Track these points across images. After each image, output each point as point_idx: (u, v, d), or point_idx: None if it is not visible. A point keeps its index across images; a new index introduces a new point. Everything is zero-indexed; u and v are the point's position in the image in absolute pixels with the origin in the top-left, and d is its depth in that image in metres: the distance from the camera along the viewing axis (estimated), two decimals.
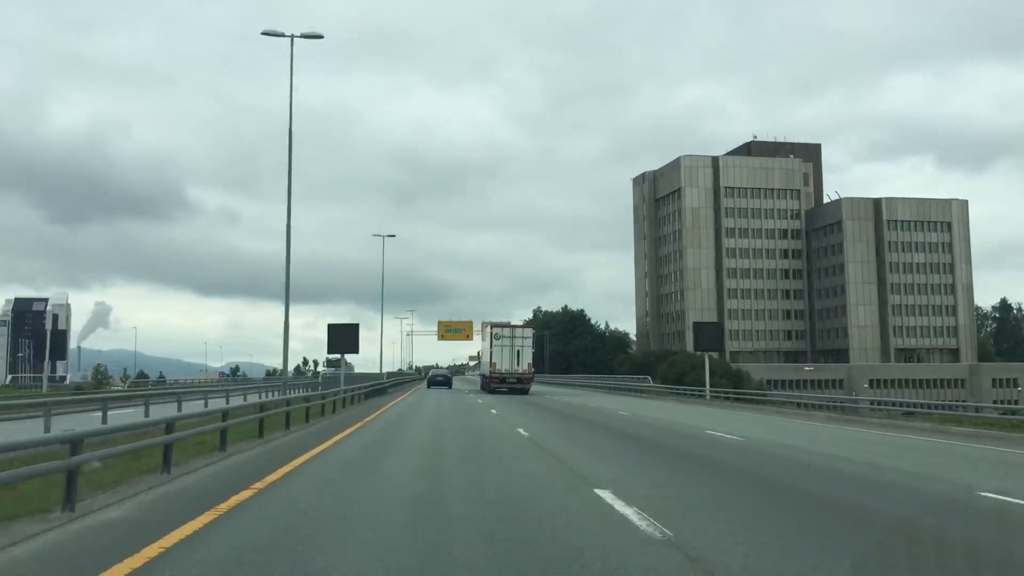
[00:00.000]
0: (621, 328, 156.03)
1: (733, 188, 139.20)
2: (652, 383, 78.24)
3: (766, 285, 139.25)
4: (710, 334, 62.87)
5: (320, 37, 31.97)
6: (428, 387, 70.90)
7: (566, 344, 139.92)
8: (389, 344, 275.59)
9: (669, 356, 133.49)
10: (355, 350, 48.96)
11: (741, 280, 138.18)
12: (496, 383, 53.69)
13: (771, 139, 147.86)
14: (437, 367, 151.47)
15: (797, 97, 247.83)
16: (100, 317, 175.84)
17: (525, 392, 53.19)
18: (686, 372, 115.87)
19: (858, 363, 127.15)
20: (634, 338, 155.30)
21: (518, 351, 53.73)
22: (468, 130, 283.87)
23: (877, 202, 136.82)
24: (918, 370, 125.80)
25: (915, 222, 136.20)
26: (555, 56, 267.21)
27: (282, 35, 31.26)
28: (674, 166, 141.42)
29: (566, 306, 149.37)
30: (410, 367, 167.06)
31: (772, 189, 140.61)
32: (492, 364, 54.12)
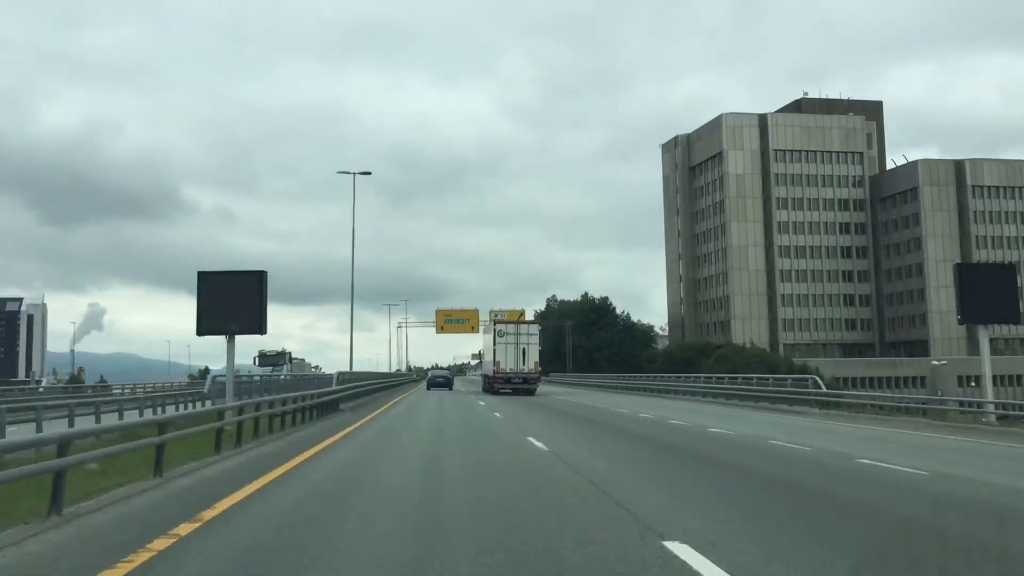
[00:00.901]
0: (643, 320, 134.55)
1: (784, 151, 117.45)
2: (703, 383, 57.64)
3: (825, 266, 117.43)
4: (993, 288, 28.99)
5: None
6: (428, 388, 65.76)
7: (588, 337, 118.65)
8: (383, 344, 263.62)
9: (713, 350, 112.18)
10: (256, 329, 27.24)
11: (795, 260, 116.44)
12: (500, 383, 49.47)
13: (823, 96, 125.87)
14: (437, 367, 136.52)
15: (799, 88, 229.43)
16: (93, 319, 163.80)
17: (531, 393, 48.96)
18: (739, 368, 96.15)
19: (947, 356, 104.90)
20: (659, 331, 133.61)
21: (524, 349, 49.11)
22: (465, 125, 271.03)
23: (959, 164, 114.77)
24: (1016, 364, 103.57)
25: (1005, 188, 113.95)
26: (553, 48, 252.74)
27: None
28: (713, 126, 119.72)
29: (586, 294, 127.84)
30: (410, 368, 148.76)
31: (830, 152, 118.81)
32: (496, 363, 49.29)
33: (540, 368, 51.17)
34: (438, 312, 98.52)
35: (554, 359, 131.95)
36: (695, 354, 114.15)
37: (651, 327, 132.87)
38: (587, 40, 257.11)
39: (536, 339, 50.01)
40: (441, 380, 69.66)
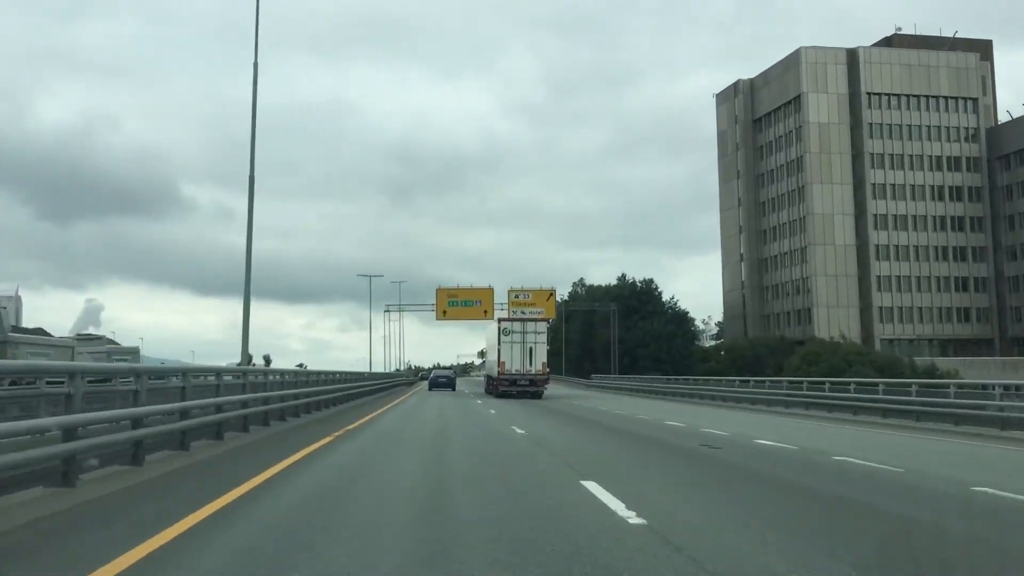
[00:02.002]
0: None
1: (880, 95, 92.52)
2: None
3: (931, 240, 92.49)
4: None
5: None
6: (430, 389, 60.73)
7: (627, 330, 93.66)
8: (383, 343, 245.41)
9: (790, 346, 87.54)
10: None
11: (894, 232, 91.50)
12: (505, 385, 44.01)
13: (918, 33, 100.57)
14: (439, 367, 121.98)
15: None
16: (91, 315, 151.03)
17: (539, 396, 44.11)
18: (838, 370, 72.86)
19: None
20: (703, 324, 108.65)
21: (530, 348, 45.00)
22: (466, 122, 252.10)
23: None
24: None
25: None
26: (556, 43, 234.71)
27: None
28: (788, 65, 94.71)
29: (624, 275, 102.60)
30: (410, 368, 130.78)
31: (937, 97, 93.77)
32: (500, 363, 44.38)
33: (548, 369, 47.62)
34: (439, 292, 73.72)
35: (581, 357, 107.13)
36: (767, 352, 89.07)
37: (690, 318, 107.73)
38: (591, 34, 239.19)
39: (544, 337, 46.73)
40: (444, 380, 64.92)
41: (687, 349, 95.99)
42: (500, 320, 47.54)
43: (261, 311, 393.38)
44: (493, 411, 31.11)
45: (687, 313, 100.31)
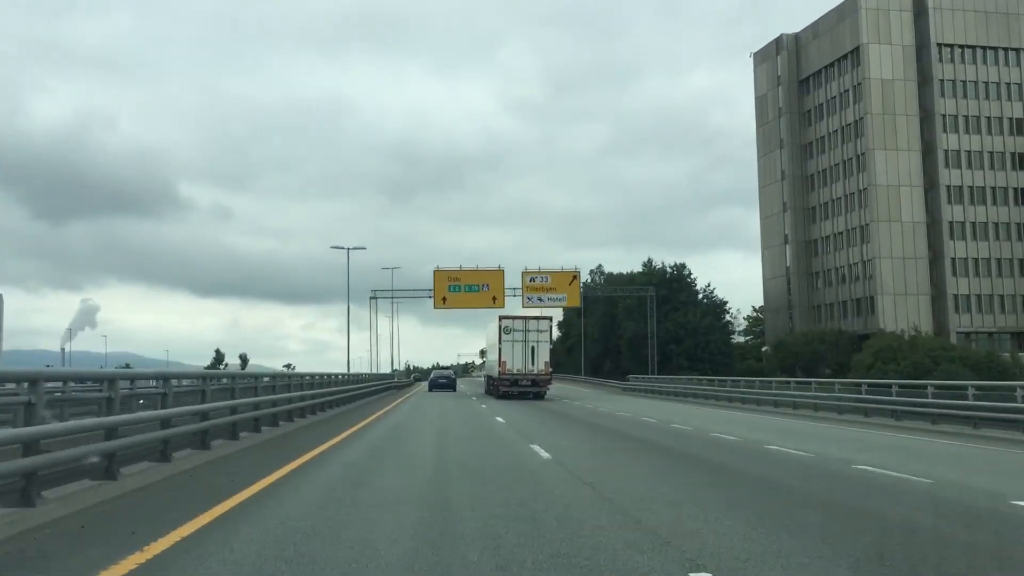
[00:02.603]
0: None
1: (953, 47, 79.16)
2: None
3: (1014, 216, 79.10)
4: None
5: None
6: (430, 390, 58.27)
7: (657, 323, 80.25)
8: (382, 343, 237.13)
9: (852, 341, 74.95)
10: None
11: (971, 208, 78.18)
12: (506, 386, 42.94)
13: None
14: (438, 366, 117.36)
15: None
16: (86, 315, 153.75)
17: (541, 397, 43.28)
18: (924, 368, 61.29)
19: None
20: (734, 316, 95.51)
21: (533, 347, 43.31)
22: (466, 120, 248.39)
23: None
24: None
25: None
26: (556, 39, 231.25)
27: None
28: (843, 13, 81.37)
29: (650, 261, 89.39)
30: (408, 368, 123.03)
31: (1018, 50, 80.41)
32: (501, 363, 43.18)
33: (551, 369, 45.29)
34: (438, 275, 60.32)
35: (602, 355, 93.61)
36: (826, 348, 75.99)
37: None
38: (591, 29, 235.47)
39: (547, 336, 44.81)
40: (444, 381, 62.35)
41: (726, 345, 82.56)
42: (501, 318, 45.22)
43: (260, 312, 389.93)
44: (501, 419, 24.82)
45: (725, 303, 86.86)
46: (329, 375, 31.87)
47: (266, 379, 20.01)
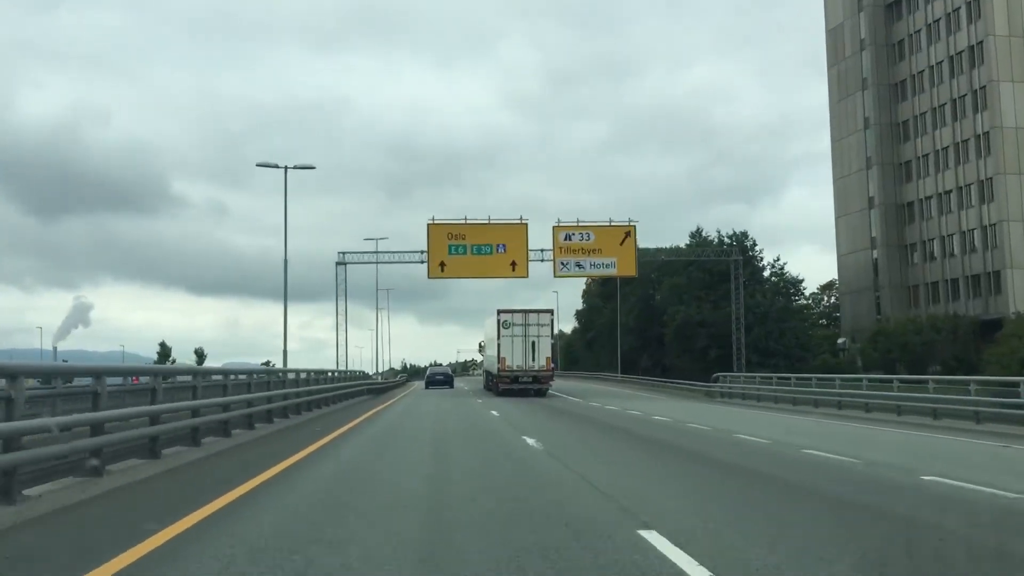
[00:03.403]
0: None
1: None
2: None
3: None
4: None
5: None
6: (426, 387, 57.74)
7: (715, 308, 63.35)
8: (382, 343, 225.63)
9: (971, 328, 57.84)
10: None
11: None
12: (506, 383, 41.64)
13: None
14: (435, 364, 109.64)
15: (810, 76, 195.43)
16: (79, 313, 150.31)
17: (542, 393, 41.47)
18: None
19: None
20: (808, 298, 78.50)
21: (533, 342, 41.82)
22: (464, 115, 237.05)
23: None
24: None
25: None
26: (555, 32, 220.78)
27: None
28: None
29: (699, 230, 71.75)
30: (404, 366, 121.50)
31: None
32: (501, 359, 41.88)
33: (553, 365, 43.63)
34: (433, 230, 42.80)
35: (639, 348, 75.87)
36: (942, 338, 58.74)
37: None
38: (592, 23, 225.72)
39: (548, 331, 42.78)
40: (441, 378, 61.67)
41: (804, 334, 64.59)
42: (500, 312, 42.70)
43: (256, 310, 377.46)
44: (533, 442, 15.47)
45: (800, 281, 68.98)
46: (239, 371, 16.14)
47: None
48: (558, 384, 48.05)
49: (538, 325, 41.96)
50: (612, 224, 44.80)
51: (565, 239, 44.44)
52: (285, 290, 36.06)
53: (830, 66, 74.88)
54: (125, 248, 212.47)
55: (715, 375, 43.81)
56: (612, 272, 47.68)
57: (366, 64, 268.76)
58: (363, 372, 38.06)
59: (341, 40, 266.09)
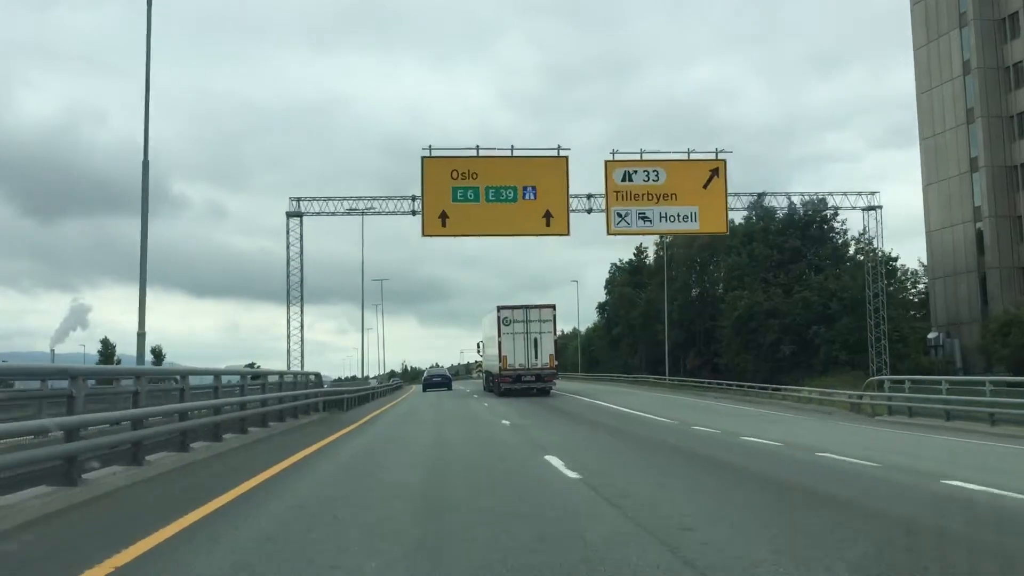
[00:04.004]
0: None
1: None
2: None
3: None
4: None
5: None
6: (424, 390, 56.30)
7: (787, 294, 49.44)
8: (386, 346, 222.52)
9: None
10: None
11: None
12: (508, 382, 40.12)
13: None
14: (437, 366, 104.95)
15: (817, 75, 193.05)
16: (77, 316, 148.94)
17: (546, 392, 40.17)
18: None
19: None
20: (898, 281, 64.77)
21: (535, 339, 40.22)
22: (463, 115, 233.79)
23: None
24: None
25: None
26: (555, 29, 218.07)
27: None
28: None
29: (761, 194, 57.29)
30: (406, 369, 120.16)
31: None
32: (502, 357, 40.33)
33: (556, 363, 41.91)
34: (429, 165, 29.76)
35: (685, 345, 62.63)
36: None
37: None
38: (592, 20, 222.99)
39: (551, 326, 40.93)
40: (438, 380, 59.84)
41: (904, 325, 51.33)
42: (499, 308, 41.17)
43: (255, 312, 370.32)
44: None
45: (894, 259, 55.59)
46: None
47: None
48: (584, 388, 42.82)
49: (540, 321, 40.46)
50: (692, 157, 31.83)
51: (624, 180, 31.55)
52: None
53: (914, 2, 61.62)
54: (124, 251, 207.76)
55: (870, 380, 30.51)
56: (693, 228, 34.90)
57: (364, 63, 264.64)
58: (317, 374, 25.82)
59: (337, 38, 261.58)
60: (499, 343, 40.33)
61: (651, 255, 74.84)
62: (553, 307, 41.60)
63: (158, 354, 77.89)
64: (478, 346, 58.41)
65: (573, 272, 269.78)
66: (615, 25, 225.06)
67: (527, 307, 41.22)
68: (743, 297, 51.97)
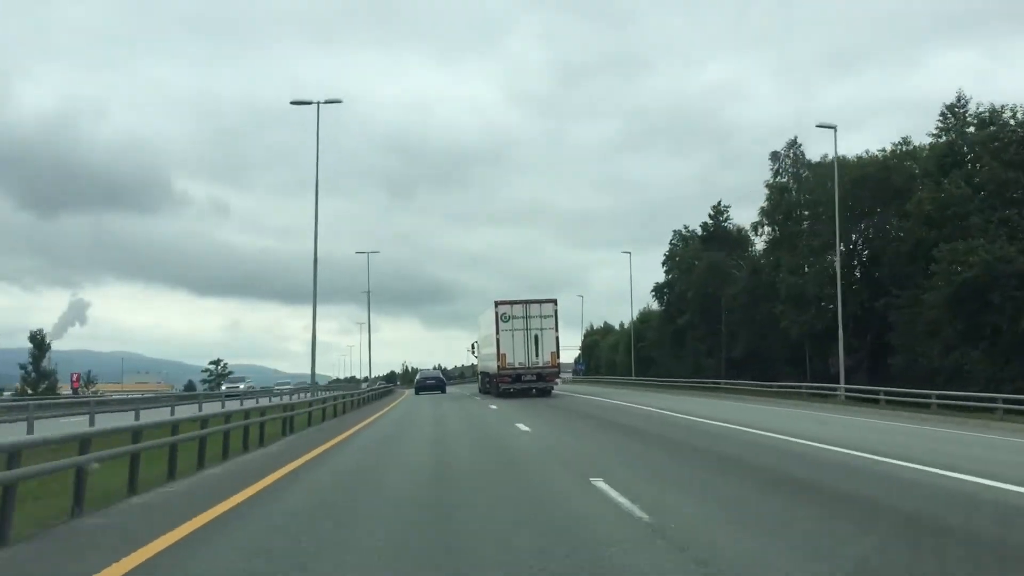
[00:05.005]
0: None
1: None
2: None
3: None
4: None
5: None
6: (416, 393, 55.54)
7: (929, 275, 38.23)
8: (385, 347, 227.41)
9: None
10: None
11: None
12: (507, 382, 39.34)
13: None
14: (438, 367, 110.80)
15: (829, 75, 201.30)
16: (76, 312, 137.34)
17: (548, 392, 39.65)
18: None
19: None
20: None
21: (536, 336, 39.41)
22: (470, 113, 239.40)
23: None
24: None
25: None
26: (564, 26, 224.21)
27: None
28: None
29: (827, 158, 46.16)
30: (407, 371, 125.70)
31: None
32: (501, 356, 39.54)
33: (558, 360, 40.89)
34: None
35: (747, 357, 52.24)
36: None
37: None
38: (601, 17, 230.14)
39: (552, 323, 39.84)
40: (432, 382, 57.93)
41: None
42: (497, 304, 40.34)
43: (261, 312, 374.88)
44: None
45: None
46: None
47: None
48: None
49: (540, 317, 39.76)
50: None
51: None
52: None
53: None
54: (127, 247, 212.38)
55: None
56: None
57: (370, 60, 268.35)
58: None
59: (343, 34, 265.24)
60: (497, 340, 39.46)
61: (745, 220, 60.89)
62: (554, 301, 40.76)
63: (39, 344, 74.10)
64: (472, 347, 54.90)
65: (568, 276, 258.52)
66: (625, 23, 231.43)
67: (527, 302, 40.30)
68: (978, 249, 33.36)
